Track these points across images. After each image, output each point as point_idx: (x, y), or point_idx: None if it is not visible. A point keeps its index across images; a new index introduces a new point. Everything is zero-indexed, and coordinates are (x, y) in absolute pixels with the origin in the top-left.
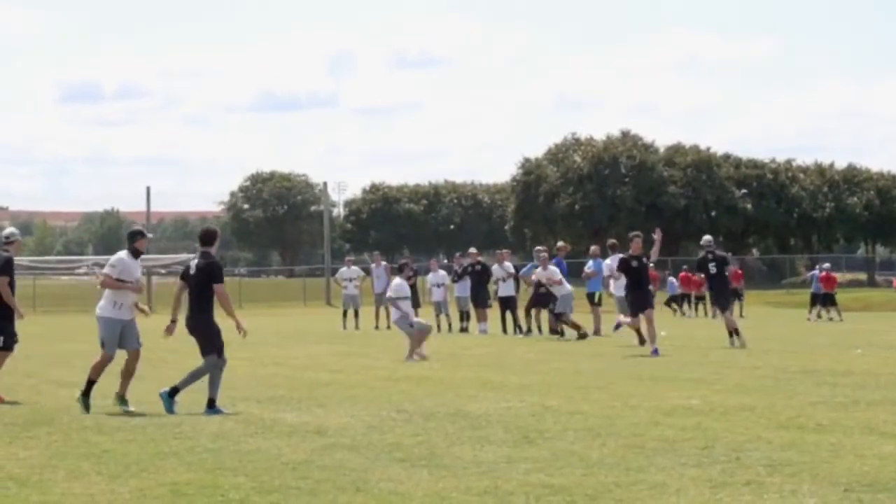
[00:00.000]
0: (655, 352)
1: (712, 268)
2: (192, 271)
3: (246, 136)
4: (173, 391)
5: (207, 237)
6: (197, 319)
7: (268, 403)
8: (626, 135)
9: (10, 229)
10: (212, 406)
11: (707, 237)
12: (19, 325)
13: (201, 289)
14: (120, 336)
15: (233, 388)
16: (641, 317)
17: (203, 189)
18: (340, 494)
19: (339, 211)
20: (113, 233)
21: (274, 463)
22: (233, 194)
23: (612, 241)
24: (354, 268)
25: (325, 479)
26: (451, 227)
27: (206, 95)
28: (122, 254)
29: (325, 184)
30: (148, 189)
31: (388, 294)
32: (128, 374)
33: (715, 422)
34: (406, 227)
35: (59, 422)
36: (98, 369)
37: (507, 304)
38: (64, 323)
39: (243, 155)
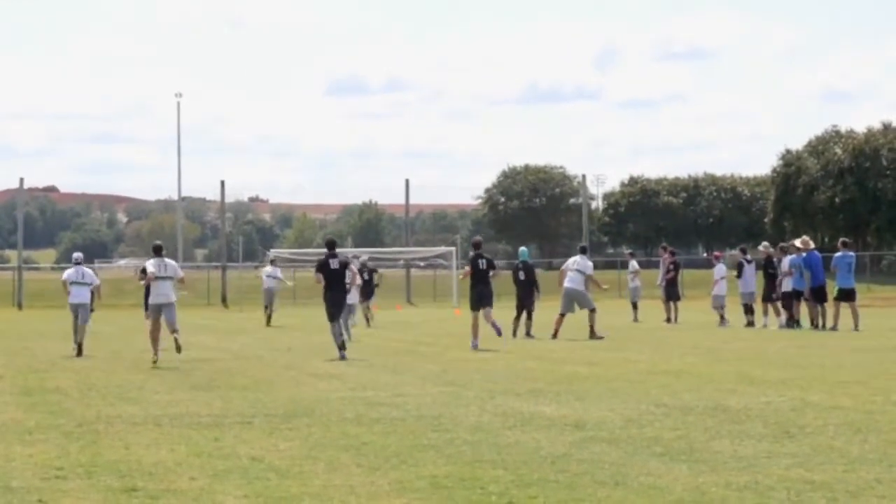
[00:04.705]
0: None
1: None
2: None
3: (509, 128)
4: None
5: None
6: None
7: (527, 396)
8: (887, 127)
9: (156, 241)
10: None
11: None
12: (283, 317)
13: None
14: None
15: (492, 381)
16: None
17: (463, 181)
18: (599, 488)
19: (598, 204)
20: (372, 226)
21: (532, 456)
22: (488, 189)
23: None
24: (634, 261)
25: (584, 473)
26: (711, 219)
27: (471, 88)
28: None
29: (583, 176)
30: (407, 182)
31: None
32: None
33: None
34: (665, 219)
35: (319, 413)
36: None
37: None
38: (323, 315)
39: (506, 147)
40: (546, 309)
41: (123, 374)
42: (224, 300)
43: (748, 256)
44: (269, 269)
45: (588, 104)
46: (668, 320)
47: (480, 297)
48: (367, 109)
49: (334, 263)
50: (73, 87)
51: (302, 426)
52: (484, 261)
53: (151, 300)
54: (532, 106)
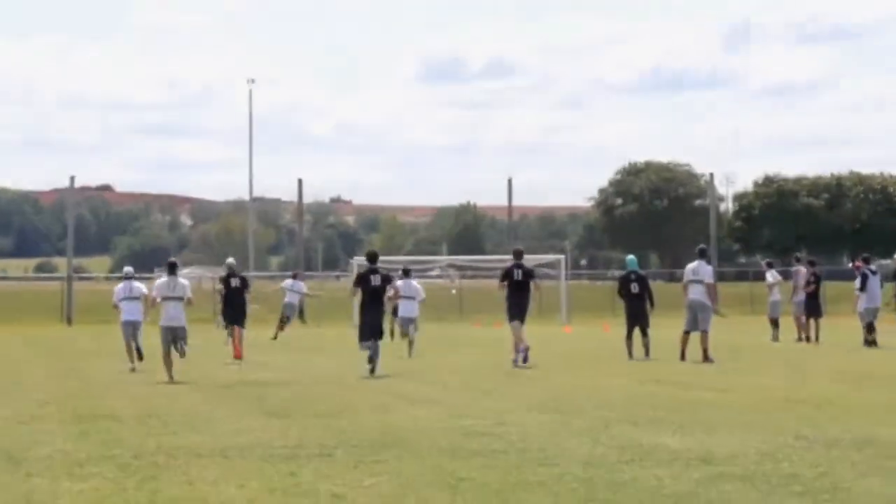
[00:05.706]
0: None
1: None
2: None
3: (627, 120)
4: None
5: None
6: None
7: (646, 426)
8: None
9: (230, 259)
10: None
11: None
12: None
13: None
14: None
15: (608, 408)
16: None
17: (574, 181)
18: None
19: (728, 206)
20: (469, 230)
21: (653, 495)
22: (602, 190)
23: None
24: (773, 272)
25: None
26: (857, 224)
27: (585, 74)
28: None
29: (711, 175)
30: (509, 181)
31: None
32: None
33: None
34: (804, 224)
35: (410, 444)
36: None
37: None
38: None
39: (623, 142)
40: (664, 327)
41: (187, 397)
42: (301, 314)
43: (872, 266)
44: (289, 282)
45: (717, 92)
46: (804, 339)
47: (517, 309)
48: (465, 98)
49: (375, 279)
50: (130, 72)
51: (390, 459)
52: (521, 271)
53: (161, 322)
54: (653, 94)
